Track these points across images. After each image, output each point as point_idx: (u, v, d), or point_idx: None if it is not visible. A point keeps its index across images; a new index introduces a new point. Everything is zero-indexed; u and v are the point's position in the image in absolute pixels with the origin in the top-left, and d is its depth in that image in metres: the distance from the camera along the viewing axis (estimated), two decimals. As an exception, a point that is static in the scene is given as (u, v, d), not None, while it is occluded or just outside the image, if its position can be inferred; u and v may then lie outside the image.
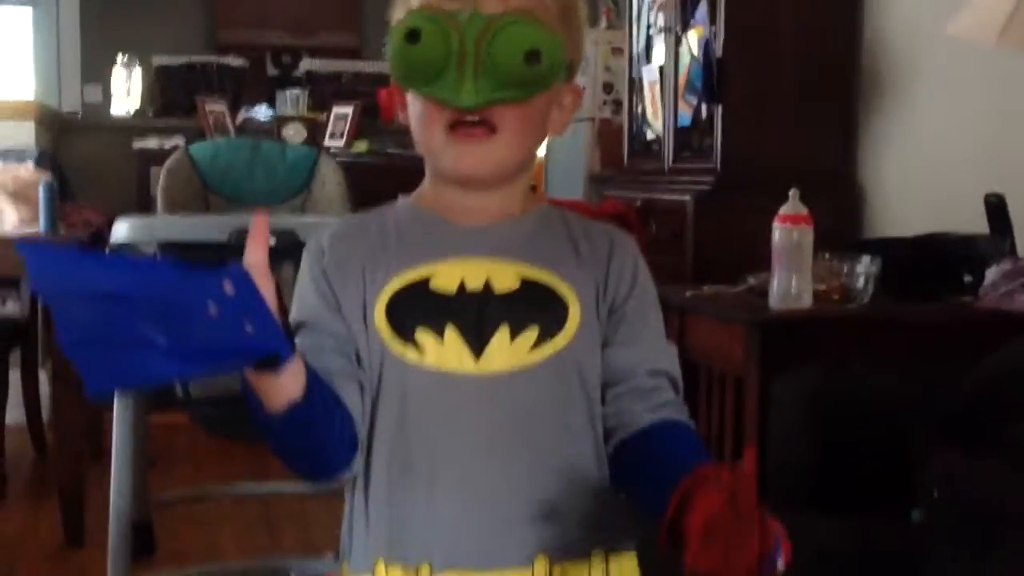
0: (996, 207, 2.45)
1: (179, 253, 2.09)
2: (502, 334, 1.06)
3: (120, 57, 5.57)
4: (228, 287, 0.83)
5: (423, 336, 1.06)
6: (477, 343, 1.06)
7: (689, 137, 3.49)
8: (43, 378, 3.76)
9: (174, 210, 2.52)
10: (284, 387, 0.94)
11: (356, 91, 5.78)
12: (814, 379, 2.05)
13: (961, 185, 2.83)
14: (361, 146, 5.44)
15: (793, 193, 2.19)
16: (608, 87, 4.62)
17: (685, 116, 3.50)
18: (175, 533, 2.95)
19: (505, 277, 1.08)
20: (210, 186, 2.64)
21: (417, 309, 1.07)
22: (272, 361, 0.90)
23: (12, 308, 3.69)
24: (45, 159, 3.68)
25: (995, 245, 2.43)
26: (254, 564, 2.79)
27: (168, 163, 2.61)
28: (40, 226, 2.95)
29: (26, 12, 5.87)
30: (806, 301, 2.21)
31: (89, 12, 5.92)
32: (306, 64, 6.07)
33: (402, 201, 1.16)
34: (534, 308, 1.07)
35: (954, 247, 2.49)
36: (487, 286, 1.07)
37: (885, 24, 3.29)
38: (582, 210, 1.33)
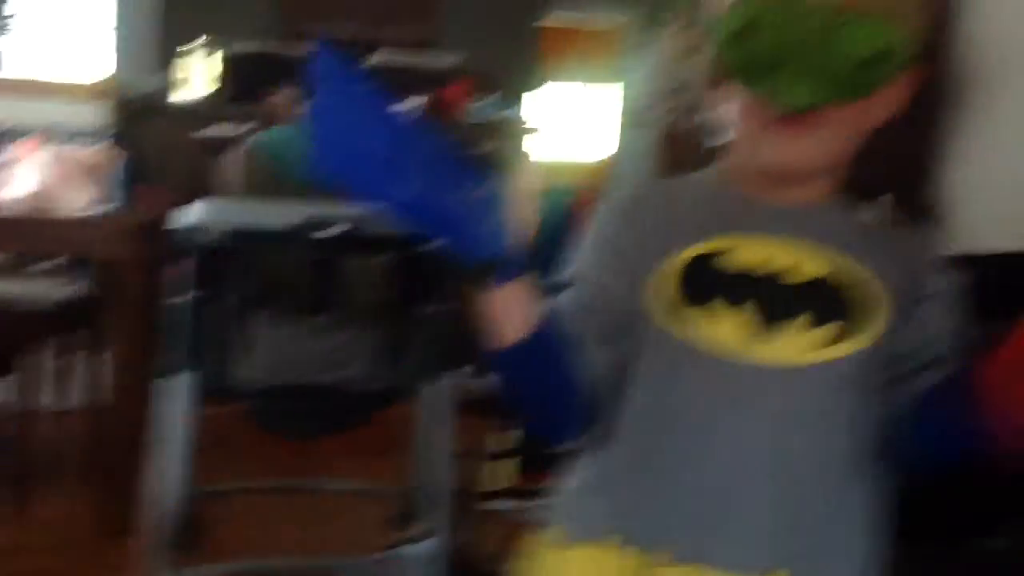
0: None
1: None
2: (799, 324, 0.99)
3: (191, 44, 5.58)
4: (478, 192, 0.90)
5: (708, 313, 0.99)
6: (768, 329, 0.98)
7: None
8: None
9: (248, 193, 2.49)
10: (508, 313, 0.93)
11: (426, 85, 5.73)
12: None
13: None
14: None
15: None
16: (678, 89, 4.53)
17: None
18: (220, 525, 2.92)
19: (811, 262, 1.01)
20: (284, 171, 2.60)
21: (707, 284, 1.00)
22: (490, 269, 0.90)
23: (79, 289, 3.69)
24: (120, 140, 3.69)
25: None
26: (301, 561, 2.75)
27: (243, 147, 2.59)
28: (115, 203, 2.94)
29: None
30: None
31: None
32: (377, 56, 6.03)
33: (705, 172, 1.10)
34: (838, 301, 0.99)
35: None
36: (789, 270, 1.00)
37: (972, 29, 3.16)
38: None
